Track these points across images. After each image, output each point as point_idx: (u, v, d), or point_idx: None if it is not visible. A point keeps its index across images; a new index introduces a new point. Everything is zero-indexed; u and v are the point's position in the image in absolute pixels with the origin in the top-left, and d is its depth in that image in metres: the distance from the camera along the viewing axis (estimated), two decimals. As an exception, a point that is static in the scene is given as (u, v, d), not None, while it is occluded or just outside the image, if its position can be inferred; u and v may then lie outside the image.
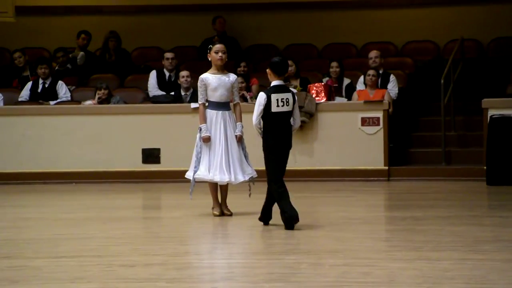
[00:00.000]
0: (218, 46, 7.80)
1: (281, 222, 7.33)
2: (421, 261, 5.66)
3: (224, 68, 7.91)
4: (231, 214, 7.83)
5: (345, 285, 5.02)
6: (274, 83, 7.15)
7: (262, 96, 7.10)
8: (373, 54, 12.06)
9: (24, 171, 11.57)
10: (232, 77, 7.82)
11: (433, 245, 6.25)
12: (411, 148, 12.04)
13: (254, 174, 7.77)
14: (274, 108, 7.06)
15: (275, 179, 7.08)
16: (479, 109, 11.31)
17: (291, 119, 7.20)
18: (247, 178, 7.71)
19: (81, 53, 12.98)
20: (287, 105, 7.08)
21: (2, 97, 12.14)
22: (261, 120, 7.13)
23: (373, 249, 6.21)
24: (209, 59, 7.85)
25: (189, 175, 7.87)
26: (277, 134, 7.10)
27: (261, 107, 7.08)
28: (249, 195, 7.58)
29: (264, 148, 7.14)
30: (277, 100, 7.06)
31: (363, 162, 11.32)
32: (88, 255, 6.04)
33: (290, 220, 6.98)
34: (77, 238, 6.89)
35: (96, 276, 5.36)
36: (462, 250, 6.07)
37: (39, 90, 12.23)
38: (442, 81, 11.72)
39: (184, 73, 11.80)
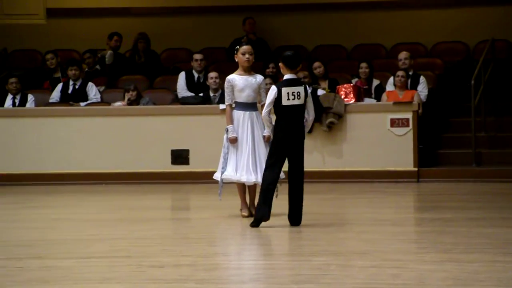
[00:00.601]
0: (244, 48, 7.81)
1: (310, 223, 7.33)
2: (451, 263, 5.62)
3: (252, 69, 7.91)
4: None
5: (374, 287, 5.00)
6: (286, 76, 7.21)
7: (273, 89, 7.21)
8: (402, 55, 12.00)
9: (54, 172, 11.66)
10: (259, 78, 7.83)
11: (463, 247, 6.21)
12: (441, 149, 11.96)
13: (282, 175, 7.77)
14: (284, 101, 7.12)
15: (272, 170, 7.14)
16: (510, 110, 11.22)
17: (305, 112, 7.22)
18: None
19: (109, 51, 13.06)
20: (298, 99, 7.13)
21: (33, 99, 12.25)
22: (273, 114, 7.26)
23: (402, 250, 6.18)
24: (236, 60, 7.87)
25: (216, 176, 7.89)
26: (287, 127, 7.14)
27: (270, 100, 7.17)
28: (276, 196, 7.59)
29: (272, 139, 7.23)
30: (288, 93, 7.11)
31: (392, 163, 11.27)
32: (117, 256, 6.07)
33: (258, 220, 7.16)
34: (107, 238, 6.93)
35: (125, 277, 5.39)
36: (492, 252, 6.02)
37: (69, 92, 12.33)
38: (472, 81, 11.64)
39: (212, 74, 11.83)
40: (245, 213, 7.86)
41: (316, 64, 11.90)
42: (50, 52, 13.03)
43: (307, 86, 7.29)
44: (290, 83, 7.17)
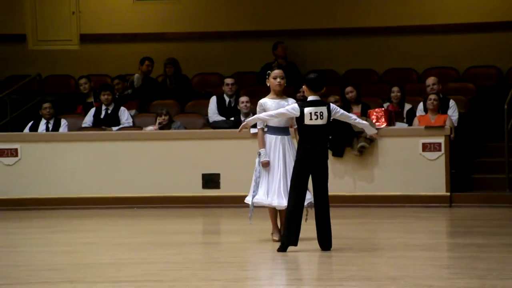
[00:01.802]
0: (276, 72, 7.83)
1: (341, 248, 7.29)
2: (484, 289, 5.55)
3: (283, 93, 7.93)
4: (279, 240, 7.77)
5: (406, 313, 4.94)
6: (310, 98, 7.22)
7: (294, 107, 7.22)
8: (430, 81, 11.94)
9: (86, 196, 11.73)
10: (291, 101, 7.83)
11: (497, 273, 6.13)
12: (474, 174, 11.85)
13: (312, 200, 7.73)
14: (307, 121, 7.14)
15: (296, 191, 7.13)
16: (544, 135, 11.10)
17: (353, 120, 7.28)
18: (305, 204, 7.67)
19: (136, 74, 13.14)
20: (321, 119, 7.14)
21: (66, 123, 12.37)
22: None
23: (435, 276, 6.11)
24: (268, 85, 7.89)
25: (248, 200, 7.89)
26: (310, 147, 7.12)
27: (285, 111, 7.22)
28: (305, 220, 7.58)
29: (295, 160, 7.25)
30: (310, 113, 7.13)
31: (424, 188, 11.19)
32: (148, 280, 6.08)
33: (285, 245, 7.17)
34: (138, 262, 6.95)
35: (156, 301, 5.38)
36: (527, 278, 5.94)
37: (102, 116, 12.43)
38: (505, 106, 11.55)
39: (243, 98, 11.86)
40: (276, 238, 7.84)
41: (348, 88, 11.88)
42: (83, 77, 13.16)
43: (331, 105, 7.27)
44: (313, 104, 7.18)
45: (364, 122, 7.47)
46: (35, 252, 7.80)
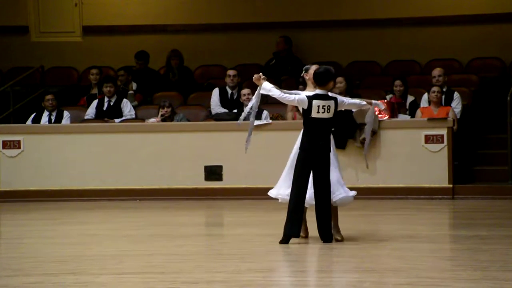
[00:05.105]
0: (314, 67, 7.78)
1: (344, 239, 7.30)
2: (487, 281, 5.55)
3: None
4: (342, 240, 7.41)
5: (408, 304, 4.95)
6: (317, 91, 7.23)
7: (303, 99, 7.18)
8: (436, 72, 11.92)
9: (89, 188, 11.75)
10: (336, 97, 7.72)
11: (499, 265, 6.13)
12: (476, 166, 11.85)
13: (342, 195, 7.38)
14: (314, 114, 7.16)
15: (297, 184, 7.12)
16: (547, 127, 11.08)
17: (360, 105, 7.33)
18: (334, 200, 7.35)
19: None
20: (328, 112, 7.17)
21: (69, 115, 12.38)
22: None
23: (437, 268, 6.12)
24: (307, 78, 7.65)
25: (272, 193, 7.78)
26: (314, 140, 7.14)
27: (293, 99, 7.16)
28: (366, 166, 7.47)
29: (299, 152, 7.23)
30: (318, 106, 7.15)
31: (427, 180, 11.19)
32: (151, 272, 6.09)
33: (287, 238, 7.18)
34: (141, 254, 6.96)
35: (159, 293, 5.40)
36: (529, 270, 5.94)
37: (104, 108, 12.43)
38: (508, 98, 11.54)
39: (245, 91, 11.85)
40: (303, 234, 7.63)
41: (339, 79, 11.76)
42: (95, 67, 13.14)
43: (338, 98, 7.27)
44: (320, 97, 7.19)
45: (371, 101, 7.47)
46: (38, 243, 7.82)
